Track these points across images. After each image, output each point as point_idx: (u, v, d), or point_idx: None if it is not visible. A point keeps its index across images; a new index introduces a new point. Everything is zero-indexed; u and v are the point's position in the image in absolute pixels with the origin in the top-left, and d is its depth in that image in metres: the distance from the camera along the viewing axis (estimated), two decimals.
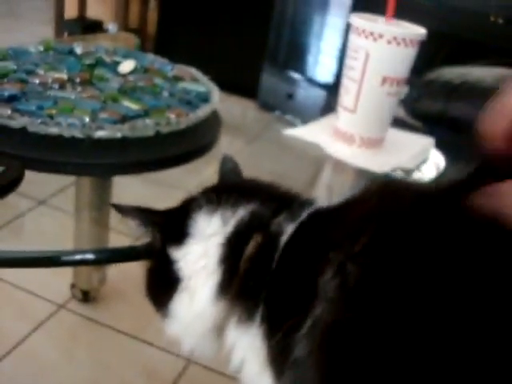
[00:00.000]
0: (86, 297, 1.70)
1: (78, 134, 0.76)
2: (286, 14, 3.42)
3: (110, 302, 1.74)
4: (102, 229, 1.21)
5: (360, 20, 0.94)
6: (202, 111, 0.86)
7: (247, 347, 0.43)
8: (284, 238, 0.43)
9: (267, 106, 3.27)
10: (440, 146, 1.19)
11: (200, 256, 0.47)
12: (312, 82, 3.21)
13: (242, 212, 0.47)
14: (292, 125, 1.11)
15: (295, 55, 3.41)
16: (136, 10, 3.82)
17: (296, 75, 3.27)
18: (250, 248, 0.44)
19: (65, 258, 0.66)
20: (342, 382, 0.34)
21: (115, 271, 1.81)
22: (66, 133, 0.76)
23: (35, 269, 1.81)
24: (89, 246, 1.24)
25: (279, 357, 0.39)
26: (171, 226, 0.50)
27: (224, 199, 0.48)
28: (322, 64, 3.29)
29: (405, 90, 1.95)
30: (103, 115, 0.80)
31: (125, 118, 0.81)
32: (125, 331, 1.63)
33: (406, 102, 1.82)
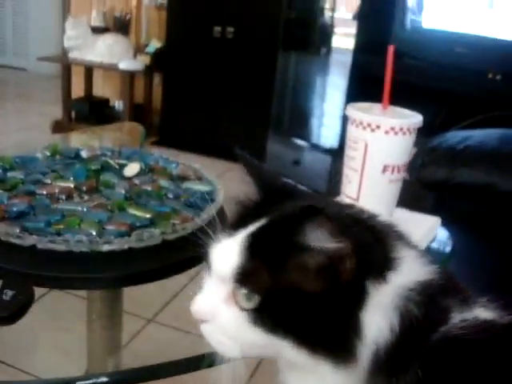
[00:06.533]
0: None
1: (85, 249, 0.77)
2: (287, 87, 3.50)
3: None
4: (115, 338, 1.21)
5: (357, 112, 0.96)
6: (207, 213, 0.87)
7: None
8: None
9: None
10: (448, 216, 1.20)
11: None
12: (316, 147, 3.25)
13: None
14: None
15: (298, 123, 3.47)
16: (141, 86, 3.92)
17: (300, 142, 3.32)
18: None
19: None
20: None
21: (130, 355, 1.80)
22: (75, 249, 0.77)
23: (47, 354, 1.79)
24: (102, 358, 1.24)
25: None
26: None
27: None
28: (325, 130, 3.34)
29: (412, 152, 1.98)
30: (110, 227, 0.82)
31: (132, 228, 0.82)
32: None
33: (412, 170, 1.84)
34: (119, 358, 1.70)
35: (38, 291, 0.73)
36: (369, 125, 0.95)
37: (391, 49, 0.98)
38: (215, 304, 0.51)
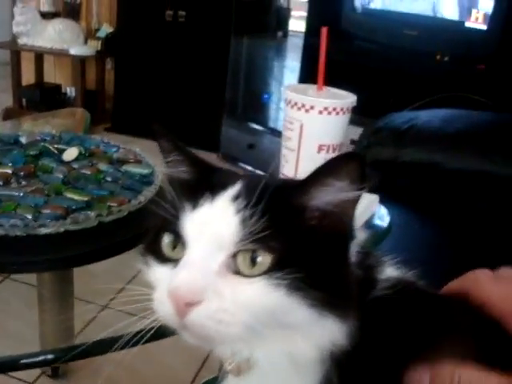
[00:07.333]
0: (56, 372, 1.68)
1: (20, 233, 0.78)
2: (241, 71, 3.49)
3: (81, 375, 1.72)
4: (67, 320, 1.22)
5: (291, 93, 0.98)
6: (144, 196, 0.88)
7: None
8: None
9: (229, 158, 3.32)
10: (391, 193, 1.24)
11: None
12: (271, 131, 3.26)
13: None
14: None
15: (253, 107, 3.47)
16: (93, 72, 3.87)
17: (255, 126, 3.33)
18: None
19: (24, 361, 0.68)
20: None
21: (85, 341, 1.80)
22: (10, 233, 0.78)
23: (2, 347, 1.79)
24: (54, 339, 1.25)
25: None
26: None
27: None
28: (280, 114, 3.35)
29: (359, 132, 2.00)
30: (46, 210, 0.82)
31: (68, 211, 0.83)
32: None
33: (358, 150, 1.87)
34: (72, 344, 1.70)
35: None
36: (303, 105, 0.97)
37: (324, 30, 1.00)
38: (210, 278, 0.43)
